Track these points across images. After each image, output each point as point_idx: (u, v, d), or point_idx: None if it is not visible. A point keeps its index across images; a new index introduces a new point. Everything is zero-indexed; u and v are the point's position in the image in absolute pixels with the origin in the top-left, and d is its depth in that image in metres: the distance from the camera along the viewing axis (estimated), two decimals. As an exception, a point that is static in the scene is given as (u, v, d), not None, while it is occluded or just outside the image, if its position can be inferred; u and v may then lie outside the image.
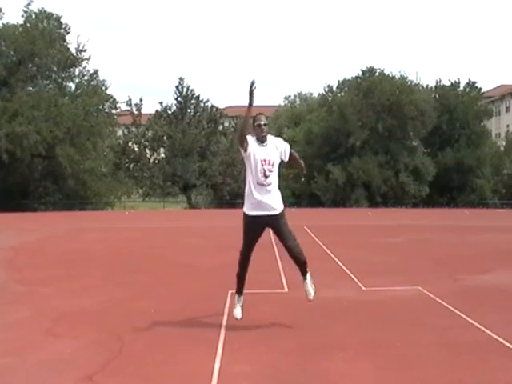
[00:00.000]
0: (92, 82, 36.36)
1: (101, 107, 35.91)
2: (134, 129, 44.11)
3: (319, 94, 44.91)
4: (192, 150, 42.36)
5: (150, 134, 43.69)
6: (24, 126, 29.95)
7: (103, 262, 10.68)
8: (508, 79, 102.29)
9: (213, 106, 45.12)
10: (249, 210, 5.39)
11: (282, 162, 5.46)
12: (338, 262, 9.98)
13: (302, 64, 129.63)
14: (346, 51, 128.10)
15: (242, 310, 5.54)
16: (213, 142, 43.82)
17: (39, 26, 33.81)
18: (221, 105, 47.44)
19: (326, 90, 41.50)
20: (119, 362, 4.56)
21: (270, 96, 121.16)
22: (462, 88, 42.29)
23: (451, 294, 7.11)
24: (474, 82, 42.59)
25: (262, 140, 5.35)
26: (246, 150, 5.26)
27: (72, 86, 36.62)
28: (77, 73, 36.50)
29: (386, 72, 40.47)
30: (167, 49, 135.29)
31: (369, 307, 6.52)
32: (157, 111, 44.43)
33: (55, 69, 35.21)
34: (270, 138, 5.45)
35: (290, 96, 59.88)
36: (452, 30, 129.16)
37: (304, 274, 5.66)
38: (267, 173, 5.25)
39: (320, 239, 13.87)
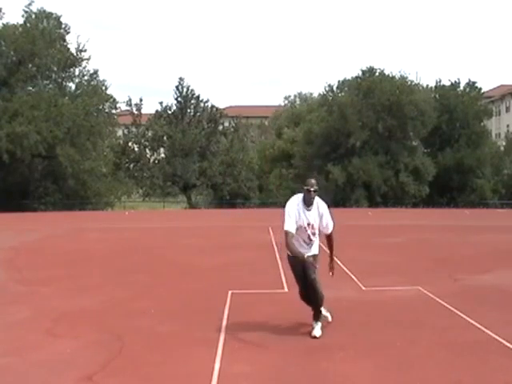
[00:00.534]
0: (92, 82, 36.34)
1: (101, 107, 35.89)
2: (134, 129, 44.09)
3: (319, 94, 44.93)
4: (192, 150, 42.36)
5: (149, 134, 43.67)
6: (24, 125, 29.94)
7: (103, 262, 10.68)
8: (508, 79, 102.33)
9: (213, 106, 45.11)
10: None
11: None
12: (338, 262, 9.96)
13: (302, 64, 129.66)
14: (346, 51, 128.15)
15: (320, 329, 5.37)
16: (213, 142, 43.81)
17: (39, 25, 33.80)
18: (221, 105, 47.47)
19: (326, 89, 41.49)
20: (119, 361, 4.56)
21: (270, 96, 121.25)
22: (462, 88, 42.27)
23: (451, 293, 7.11)
24: (474, 82, 42.59)
25: (308, 204, 5.53)
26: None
27: (72, 86, 36.64)
28: (77, 73, 36.51)
29: (386, 72, 40.48)
30: (167, 49, 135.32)
31: (369, 307, 6.52)
32: (157, 111, 44.42)
33: (55, 69, 35.20)
34: (316, 200, 5.62)
35: (290, 96, 60.07)
36: (452, 29, 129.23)
37: (316, 318, 5.49)
38: (311, 236, 5.54)
39: (320, 239, 13.85)
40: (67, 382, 4.14)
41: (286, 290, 7.59)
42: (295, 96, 59.14)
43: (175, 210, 40.79)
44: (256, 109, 63.46)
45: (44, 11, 34.68)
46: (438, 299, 6.75)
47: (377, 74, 40.08)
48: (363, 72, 40.30)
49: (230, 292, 7.13)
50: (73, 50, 35.57)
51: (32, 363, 4.55)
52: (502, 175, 41.91)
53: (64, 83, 36.32)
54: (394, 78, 39.85)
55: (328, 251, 5.84)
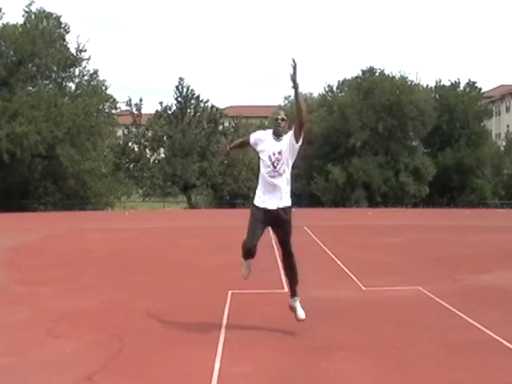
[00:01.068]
0: (92, 82, 36.33)
1: (101, 107, 35.88)
2: (134, 129, 44.07)
3: (319, 94, 44.93)
4: (192, 150, 42.35)
5: (150, 134, 43.65)
6: (24, 126, 29.94)
7: (103, 262, 10.67)
8: (508, 79, 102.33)
9: (213, 106, 45.09)
10: (258, 202, 5.28)
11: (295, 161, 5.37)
12: (338, 262, 9.98)
13: (302, 64, 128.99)
14: (346, 51, 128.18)
15: (249, 270, 5.39)
16: (213, 142, 43.78)
17: (39, 25, 33.79)
18: (221, 105, 47.46)
19: (326, 89, 41.52)
20: (119, 361, 4.56)
21: (270, 96, 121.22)
22: (461, 88, 42.27)
23: (451, 293, 7.11)
24: (474, 82, 42.60)
25: (277, 134, 5.27)
26: (255, 146, 5.32)
27: (72, 86, 36.64)
28: (77, 73, 36.50)
29: (386, 72, 40.52)
30: (167, 49, 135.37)
31: (369, 307, 6.52)
32: (157, 111, 44.39)
33: (55, 69, 35.18)
34: (286, 135, 5.30)
35: (290, 96, 59.93)
36: (452, 30, 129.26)
37: (295, 294, 5.44)
38: (277, 165, 5.19)
39: (320, 239, 13.86)
40: (67, 381, 4.14)
41: (286, 289, 7.57)
42: (295, 96, 59.04)
43: (175, 209, 40.78)
44: (256, 109, 63.40)
45: (44, 11, 34.69)
46: (438, 299, 6.75)
47: (377, 74, 40.10)
48: (363, 72, 40.32)
49: (229, 292, 7.13)
50: (73, 50, 35.60)
51: (32, 363, 4.54)
52: (502, 175, 41.92)
53: (64, 83, 36.32)
54: (394, 78, 39.87)
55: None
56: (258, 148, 5.30)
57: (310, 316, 5.99)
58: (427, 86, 42.45)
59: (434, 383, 4.11)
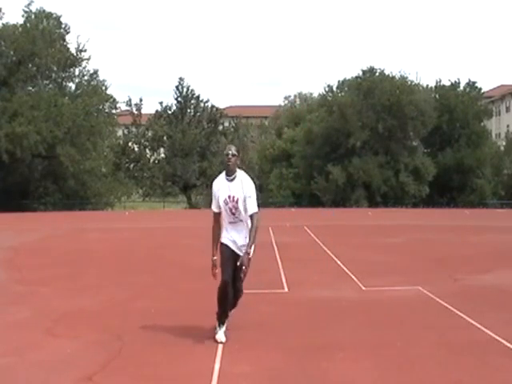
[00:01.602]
0: (92, 82, 36.32)
1: (101, 107, 35.86)
2: (134, 129, 44.07)
3: (319, 94, 44.91)
4: (192, 150, 42.34)
5: (150, 134, 43.66)
6: (24, 126, 29.92)
7: (103, 262, 10.68)
8: (508, 79, 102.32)
9: (213, 106, 45.10)
10: (225, 241, 5.21)
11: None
12: (338, 262, 9.98)
13: (302, 64, 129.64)
14: (346, 51, 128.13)
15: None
16: (213, 142, 43.79)
17: (39, 25, 33.76)
18: (221, 105, 47.42)
19: (326, 89, 41.45)
20: (119, 361, 4.56)
21: (270, 96, 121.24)
22: (462, 88, 42.24)
23: (451, 293, 7.11)
24: (474, 82, 42.57)
25: (228, 172, 5.18)
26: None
27: (72, 86, 36.60)
28: (77, 73, 36.47)
29: (386, 72, 40.45)
30: (167, 49, 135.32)
31: (369, 307, 6.52)
32: (157, 111, 44.39)
33: (55, 69, 35.17)
34: (240, 173, 5.24)
35: (290, 96, 60.04)
36: (452, 29, 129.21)
37: (224, 322, 5.23)
38: (234, 211, 5.09)
39: (320, 239, 13.86)
40: (67, 381, 4.14)
41: (285, 289, 7.59)
42: (295, 96, 59.14)
43: (175, 209, 40.77)
44: (256, 109, 63.46)
45: (44, 11, 34.65)
46: (438, 299, 6.75)
47: (377, 74, 40.06)
48: (363, 72, 40.28)
49: (230, 292, 7.11)
50: (73, 50, 35.57)
51: (32, 363, 4.54)
52: (502, 175, 41.89)
53: (64, 83, 36.30)
54: (394, 78, 39.83)
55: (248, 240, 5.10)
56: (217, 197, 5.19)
57: (310, 316, 5.99)
58: (427, 85, 42.46)
59: (434, 383, 4.11)
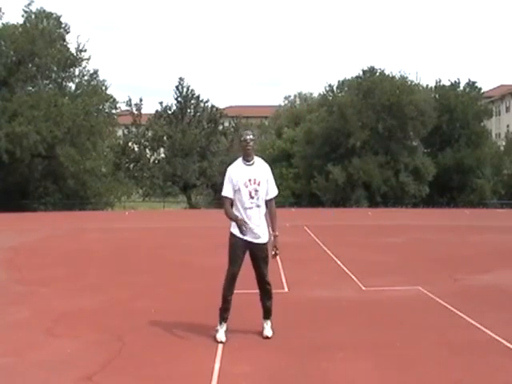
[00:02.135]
0: (92, 82, 36.28)
1: (101, 107, 35.82)
2: (134, 129, 44.07)
3: (319, 94, 44.87)
4: (192, 150, 42.34)
5: (150, 134, 43.66)
6: (24, 125, 29.89)
7: (103, 262, 10.68)
8: (508, 79, 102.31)
9: (213, 106, 45.09)
10: (236, 231, 5.17)
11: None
12: (338, 262, 9.98)
13: (302, 64, 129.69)
14: (347, 51, 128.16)
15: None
16: (213, 142, 43.80)
17: (39, 25, 33.72)
18: (221, 105, 47.44)
19: (327, 89, 41.42)
20: (119, 361, 4.56)
21: (270, 96, 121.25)
22: (461, 88, 42.20)
23: (451, 293, 7.11)
24: (473, 82, 42.53)
25: (247, 156, 5.11)
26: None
27: (72, 86, 36.53)
28: (77, 73, 36.41)
29: (387, 72, 40.39)
30: (167, 49, 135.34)
31: (369, 307, 6.52)
32: (157, 111, 44.40)
33: (55, 69, 35.13)
34: (257, 158, 5.24)
35: (290, 96, 60.00)
36: (452, 29, 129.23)
37: (267, 317, 5.27)
38: (253, 195, 5.03)
39: (320, 239, 13.86)
40: (67, 381, 4.14)
41: (285, 289, 7.59)
42: (295, 96, 59.11)
43: (175, 210, 40.77)
44: (256, 109, 63.45)
45: (44, 11, 34.61)
46: (438, 299, 6.75)
47: (377, 74, 40.04)
48: (363, 72, 40.25)
49: (229, 292, 7.11)
50: (73, 50, 35.51)
51: (32, 363, 4.54)
52: (501, 175, 41.87)
53: (64, 83, 36.26)
54: (394, 78, 39.81)
55: (271, 225, 5.22)
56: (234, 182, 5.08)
57: (310, 316, 5.99)
58: (427, 85, 42.42)
59: (434, 383, 4.11)
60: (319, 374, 4.26)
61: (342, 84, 41.01)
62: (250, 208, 5.06)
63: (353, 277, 8.41)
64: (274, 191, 5.18)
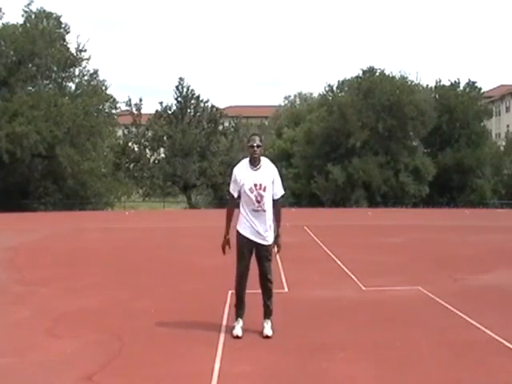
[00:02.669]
0: (92, 82, 36.30)
1: (101, 107, 35.84)
2: (133, 129, 44.05)
3: (319, 94, 44.89)
4: (192, 150, 42.33)
5: (150, 134, 43.64)
6: (24, 125, 29.90)
7: (103, 262, 10.67)
8: (508, 79, 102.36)
9: (213, 106, 45.07)
10: (242, 230, 5.24)
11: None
12: (338, 262, 9.98)
13: (302, 64, 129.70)
14: (346, 51, 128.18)
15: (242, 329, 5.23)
16: (213, 142, 43.78)
17: (39, 25, 33.74)
18: (221, 105, 47.43)
19: (326, 89, 41.45)
20: (119, 361, 4.56)
21: (270, 96, 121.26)
22: (461, 88, 42.22)
23: (451, 293, 7.11)
24: (473, 82, 42.54)
25: (254, 162, 5.19)
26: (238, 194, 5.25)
27: (72, 85, 36.57)
28: (77, 73, 36.44)
29: (386, 72, 40.42)
30: (167, 49, 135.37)
31: (369, 307, 6.52)
32: (157, 111, 44.37)
33: (55, 69, 35.15)
34: (264, 161, 5.28)
35: (290, 96, 60.12)
36: (452, 29, 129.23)
37: (267, 316, 5.29)
38: (259, 199, 5.11)
39: (320, 239, 13.86)
40: (67, 381, 4.14)
41: (286, 289, 7.59)
42: (295, 96, 59.22)
43: (175, 209, 40.78)
44: (256, 109, 63.46)
45: (44, 11, 34.63)
46: (438, 299, 6.75)
47: (377, 74, 40.04)
48: (363, 72, 40.27)
49: (229, 292, 7.11)
50: (73, 50, 35.54)
51: (32, 363, 4.54)
52: (501, 175, 41.88)
53: (64, 83, 36.28)
54: (394, 78, 39.82)
55: (275, 223, 5.31)
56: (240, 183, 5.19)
57: (310, 316, 6.00)
58: (427, 86, 42.42)
59: (434, 383, 4.11)
60: (319, 373, 4.26)
61: (342, 84, 41.02)
62: (257, 211, 5.16)
63: (353, 277, 8.41)
64: (280, 191, 5.30)
